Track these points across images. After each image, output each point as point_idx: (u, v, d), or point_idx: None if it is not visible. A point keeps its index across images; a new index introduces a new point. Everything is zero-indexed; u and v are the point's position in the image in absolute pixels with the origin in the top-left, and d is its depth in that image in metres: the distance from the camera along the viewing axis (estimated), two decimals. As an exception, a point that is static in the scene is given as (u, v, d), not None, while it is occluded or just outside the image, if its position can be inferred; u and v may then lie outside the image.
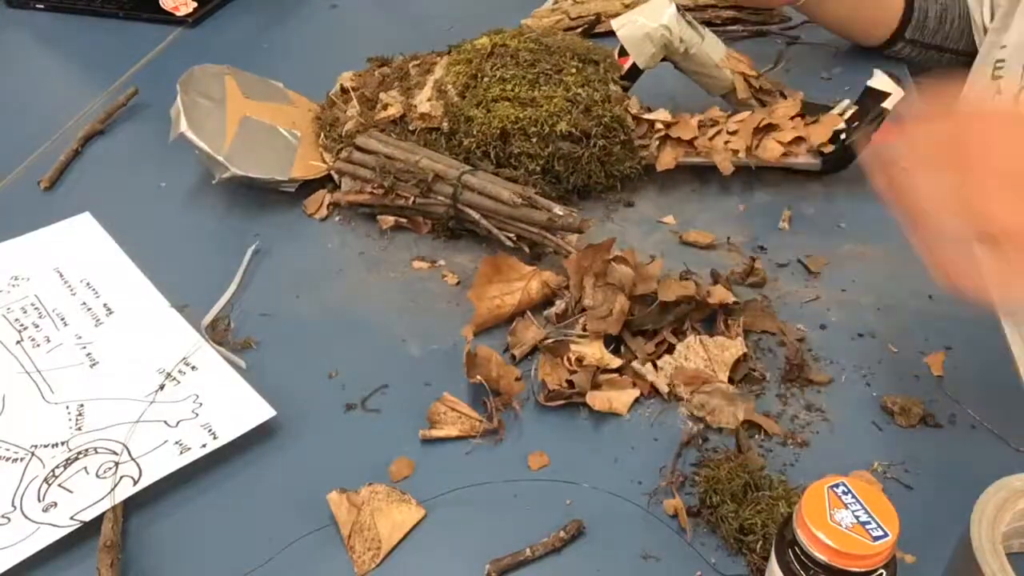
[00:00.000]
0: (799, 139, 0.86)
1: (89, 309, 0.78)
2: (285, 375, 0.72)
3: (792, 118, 0.88)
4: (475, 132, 0.86)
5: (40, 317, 0.78)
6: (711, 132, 0.88)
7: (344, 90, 0.97)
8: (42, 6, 1.30)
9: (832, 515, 0.47)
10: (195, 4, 1.26)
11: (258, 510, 0.63)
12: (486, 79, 0.88)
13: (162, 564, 0.60)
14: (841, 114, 0.87)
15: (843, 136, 0.86)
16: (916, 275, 0.79)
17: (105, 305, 0.79)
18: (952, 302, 0.76)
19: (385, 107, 0.92)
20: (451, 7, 1.22)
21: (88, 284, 0.81)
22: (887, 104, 0.84)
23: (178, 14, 1.25)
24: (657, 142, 0.88)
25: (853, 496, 0.47)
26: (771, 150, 0.86)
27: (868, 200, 0.85)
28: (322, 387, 0.72)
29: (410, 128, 0.89)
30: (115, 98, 1.06)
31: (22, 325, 0.77)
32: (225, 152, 0.86)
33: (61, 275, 0.82)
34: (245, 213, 0.90)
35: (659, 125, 0.88)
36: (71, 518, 0.61)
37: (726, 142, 0.87)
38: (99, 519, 0.61)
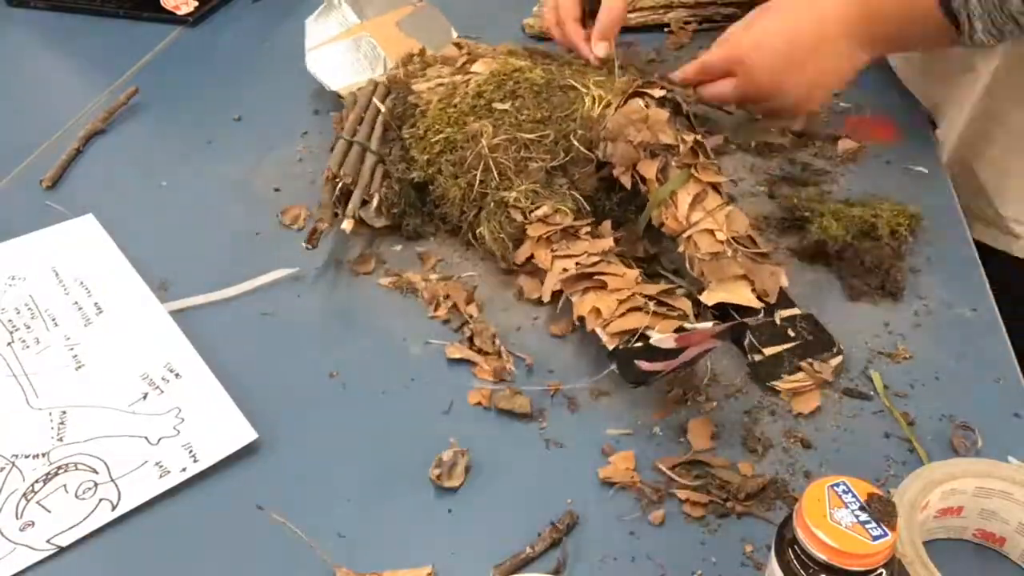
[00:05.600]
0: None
1: (80, 308, 0.77)
2: (285, 375, 0.72)
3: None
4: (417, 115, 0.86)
5: (32, 318, 0.77)
6: None
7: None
8: (43, 5, 1.30)
9: (832, 514, 0.47)
10: (196, 3, 1.26)
11: (258, 510, 0.63)
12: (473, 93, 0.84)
13: (163, 564, 0.60)
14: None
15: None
16: (916, 275, 0.80)
17: (96, 304, 0.78)
18: (953, 303, 0.77)
19: (414, 73, 0.93)
20: (450, 6, 1.21)
21: (82, 284, 0.80)
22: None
23: (179, 13, 1.24)
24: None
25: (853, 495, 0.47)
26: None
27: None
28: (322, 387, 0.72)
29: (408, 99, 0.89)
30: (116, 97, 1.06)
31: (14, 326, 0.76)
32: (309, 45, 1.02)
33: (57, 275, 0.81)
34: (245, 212, 0.90)
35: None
36: (48, 541, 0.60)
37: None
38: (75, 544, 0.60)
